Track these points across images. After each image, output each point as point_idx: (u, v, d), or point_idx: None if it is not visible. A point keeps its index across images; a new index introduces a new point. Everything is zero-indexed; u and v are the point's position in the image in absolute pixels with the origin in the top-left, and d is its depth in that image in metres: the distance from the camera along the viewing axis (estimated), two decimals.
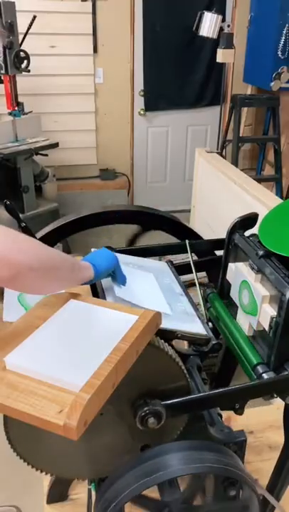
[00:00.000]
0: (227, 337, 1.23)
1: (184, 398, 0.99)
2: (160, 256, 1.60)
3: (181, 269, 1.40)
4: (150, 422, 0.94)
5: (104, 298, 1.11)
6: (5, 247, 0.79)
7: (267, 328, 1.07)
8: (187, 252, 1.40)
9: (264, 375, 1.06)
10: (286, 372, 1.05)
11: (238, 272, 1.21)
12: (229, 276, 1.28)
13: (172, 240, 1.62)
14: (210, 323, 1.27)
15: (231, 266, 1.27)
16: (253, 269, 1.15)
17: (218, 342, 1.10)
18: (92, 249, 1.24)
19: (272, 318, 1.05)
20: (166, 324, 1.01)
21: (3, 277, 0.79)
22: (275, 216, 1.31)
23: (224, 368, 1.51)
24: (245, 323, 1.19)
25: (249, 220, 1.30)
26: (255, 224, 1.30)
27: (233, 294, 1.24)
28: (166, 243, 1.49)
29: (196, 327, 1.10)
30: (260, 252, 1.14)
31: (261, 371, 1.07)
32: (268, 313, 1.06)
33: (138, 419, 0.94)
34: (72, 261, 0.98)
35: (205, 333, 1.09)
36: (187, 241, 1.41)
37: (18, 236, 0.84)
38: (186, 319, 1.11)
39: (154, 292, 1.18)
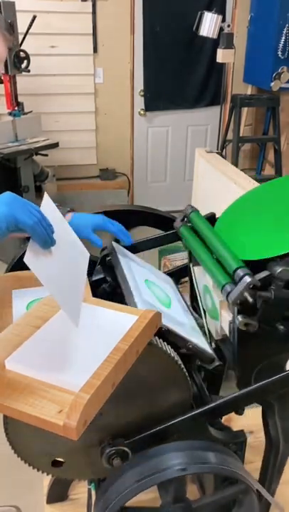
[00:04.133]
0: (198, 254, 1.17)
1: (145, 434, 0.97)
2: (154, 248, 1.55)
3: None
4: (115, 463, 0.94)
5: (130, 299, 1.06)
6: None
7: (228, 333, 1.05)
8: (177, 240, 1.38)
9: (230, 296, 0.97)
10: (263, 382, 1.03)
11: (199, 276, 1.19)
12: (195, 280, 1.26)
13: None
14: (212, 344, 1.22)
15: (195, 269, 1.24)
16: None
17: (221, 364, 1.07)
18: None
19: (230, 323, 1.02)
20: (181, 332, 1.01)
21: None
22: (228, 218, 1.27)
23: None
24: (212, 327, 1.16)
25: (208, 220, 1.27)
26: (214, 224, 1.27)
27: (200, 297, 1.21)
28: (157, 235, 1.45)
29: (203, 344, 1.08)
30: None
31: (229, 290, 0.99)
32: (226, 318, 1.04)
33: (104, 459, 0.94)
34: None
35: (211, 352, 1.07)
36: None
37: None
38: (194, 334, 1.09)
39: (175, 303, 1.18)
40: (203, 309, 1.23)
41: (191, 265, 1.26)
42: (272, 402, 1.15)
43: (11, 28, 3.02)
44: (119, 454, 0.93)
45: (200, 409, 1.01)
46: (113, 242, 1.25)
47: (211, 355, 1.05)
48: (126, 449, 0.94)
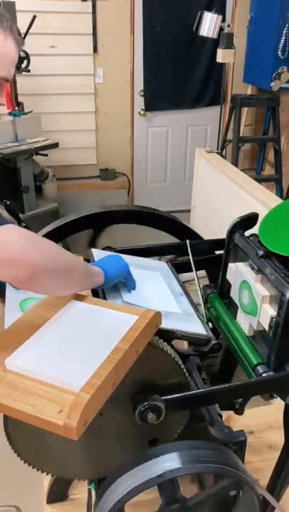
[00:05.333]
0: (227, 337, 1.23)
1: (183, 394, 0.99)
2: (160, 256, 1.59)
3: (180, 267, 1.39)
4: (149, 418, 0.94)
5: (104, 299, 1.11)
6: (24, 249, 0.83)
7: (267, 328, 1.07)
8: (186, 252, 1.40)
9: (264, 375, 1.06)
10: (286, 371, 1.06)
11: (238, 272, 1.21)
12: (229, 277, 1.28)
13: (172, 239, 1.61)
14: (210, 323, 1.27)
15: (231, 266, 1.27)
16: (253, 269, 1.15)
17: (218, 342, 1.10)
18: (93, 250, 1.23)
19: (272, 318, 1.05)
20: (166, 324, 1.01)
21: (21, 277, 0.83)
22: (275, 216, 1.31)
23: (224, 368, 1.51)
24: (245, 323, 1.19)
25: (249, 220, 1.30)
26: (255, 224, 1.30)
27: (233, 294, 1.24)
28: (166, 243, 1.49)
29: (196, 327, 1.10)
30: (260, 252, 1.14)
31: (261, 371, 1.07)
32: (267, 313, 1.06)
33: (137, 415, 0.94)
34: (86, 266, 1.03)
35: (205, 333, 1.09)
36: (188, 241, 1.41)
37: (37, 238, 0.89)
38: (186, 319, 1.11)
39: (161, 292, 1.19)
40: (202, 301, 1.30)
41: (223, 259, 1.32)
42: None
43: (11, 26, 3.02)
44: (152, 409, 0.94)
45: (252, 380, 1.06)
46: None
47: (206, 337, 1.08)
48: (160, 404, 0.95)
